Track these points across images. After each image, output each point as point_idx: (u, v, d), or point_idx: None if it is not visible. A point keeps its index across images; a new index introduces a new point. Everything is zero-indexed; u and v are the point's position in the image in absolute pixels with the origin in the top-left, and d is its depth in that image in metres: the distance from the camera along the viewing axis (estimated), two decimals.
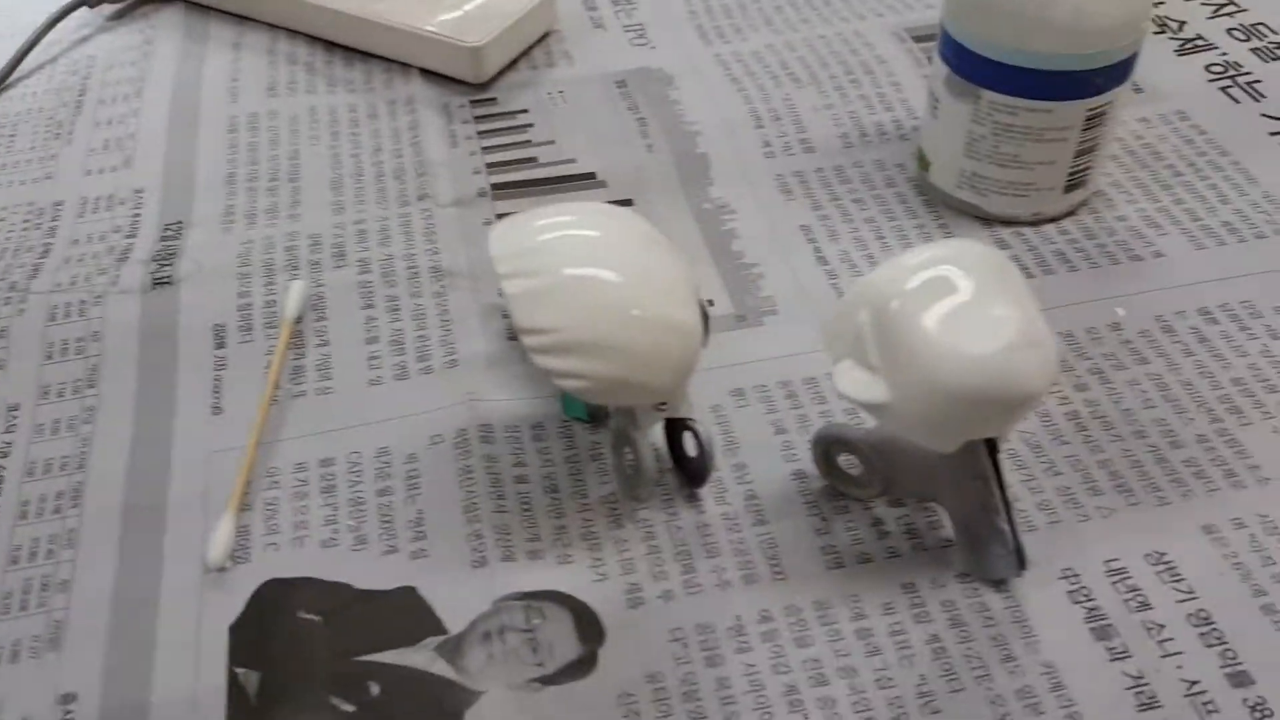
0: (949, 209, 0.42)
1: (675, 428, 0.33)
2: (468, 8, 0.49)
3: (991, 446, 0.29)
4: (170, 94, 0.49)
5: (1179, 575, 0.31)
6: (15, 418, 0.36)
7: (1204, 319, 0.38)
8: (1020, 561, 0.30)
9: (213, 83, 0.49)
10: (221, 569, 0.32)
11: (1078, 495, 0.33)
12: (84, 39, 0.52)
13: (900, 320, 0.26)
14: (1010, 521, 0.30)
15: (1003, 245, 0.41)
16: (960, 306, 0.26)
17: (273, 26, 0.52)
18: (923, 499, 0.32)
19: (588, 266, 0.28)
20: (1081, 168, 0.40)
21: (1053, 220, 0.41)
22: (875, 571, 0.31)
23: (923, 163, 0.43)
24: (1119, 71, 0.38)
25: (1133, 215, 0.42)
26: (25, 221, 0.43)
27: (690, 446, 0.33)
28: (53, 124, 0.48)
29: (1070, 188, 0.40)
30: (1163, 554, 0.31)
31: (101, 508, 0.33)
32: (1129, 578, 0.31)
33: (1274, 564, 0.31)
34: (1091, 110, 0.38)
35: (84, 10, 0.53)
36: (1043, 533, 0.32)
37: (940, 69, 0.40)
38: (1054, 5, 0.36)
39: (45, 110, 0.48)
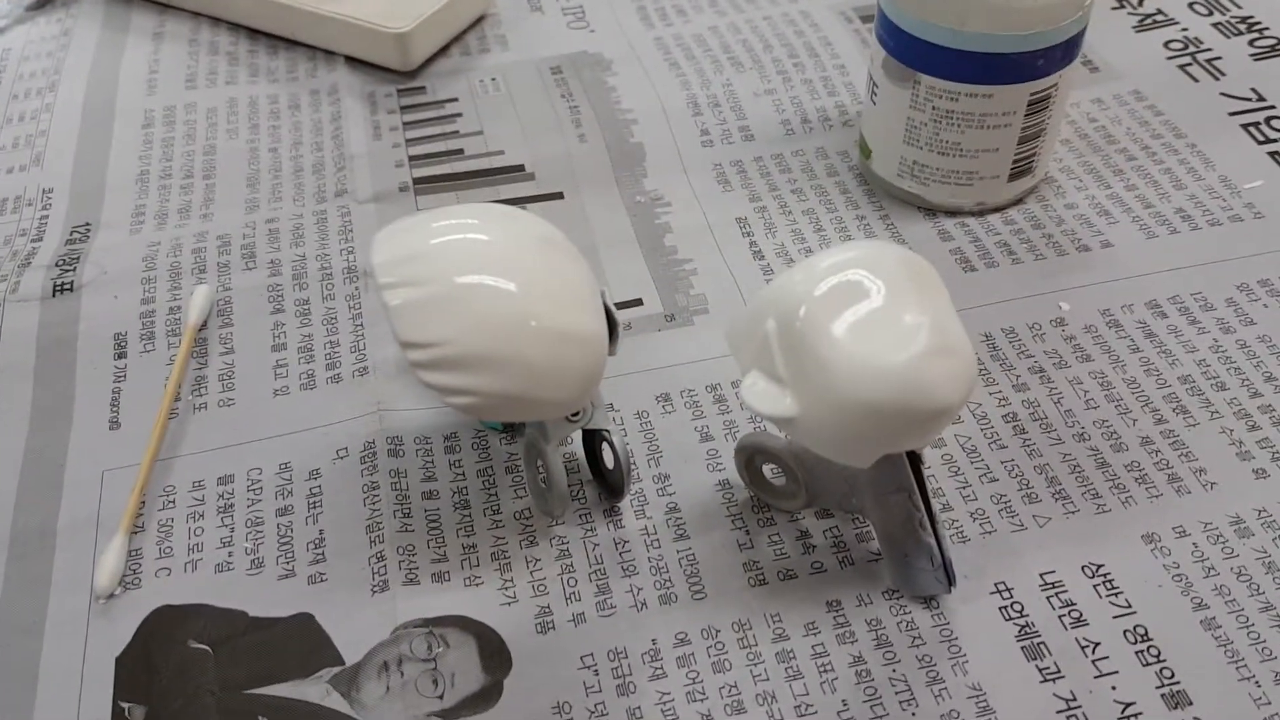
0: (891, 199, 0.40)
1: (592, 439, 0.31)
2: None
3: (914, 457, 0.27)
4: (85, 88, 0.47)
5: (1116, 588, 0.29)
6: None
7: (1152, 312, 0.36)
8: (948, 578, 0.29)
9: (130, 75, 0.47)
10: (110, 595, 0.30)
11: (1013, 503, 0.31)
12: (0, 31, 0.50)
13: (807, 329, 0.25)
14: (937, 536, 0.28)
15: (946, 237, 0.39)
16: (870, 314, 0.24)
17: (196, 14, 0.50)
18: (848, 511, 0.31)
19: (476, 273, 0.26)
20: (1027, 154, 0.38)
21: (998, 210, 0.40)
22: (799, 588, 0.30)
23: (864, 150, 0.41)
24: (1063, 52, 0.36)
25: (1082, 203, 0.40)
26: None
27: (608, 458, 0.31)
28: None
29: (1015, 175, 0.39)
30: (1100, 565, 0.30)
31: None
32: (1064, 591, 0.29)
33: (1216, 575, 0.29)
34: (1035, 94, 0.36)
35: (1, 2, 0.51)
36: (975, 544, 0.30)
37: (878, 52, 0.38)
38: None
39: None
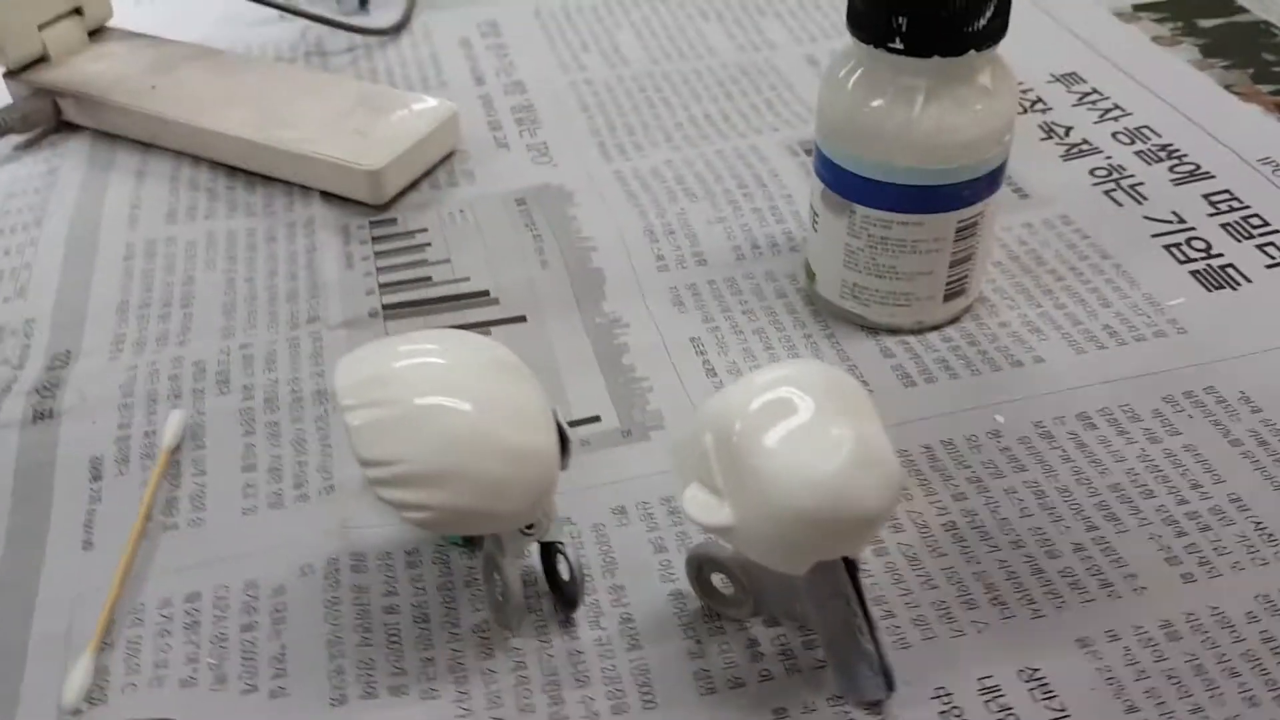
0: (835, 319, 0.43)
1: (548, 551, 0.33)
2: (367, 131, 0.50)
3: (851, 565, 0.29)
4: (70, 222, 0.49)
5: (1051, 692, 0.30)
6: None
7: (1083, 424, 0.38)
8: (888, 683, 0.30)
9: (113, 210, 0.50)
10: (76, 712, 0.31)
11: (953, 609, 0.33)
12: None
13: (741, 442, 0.26)
14: (875, 641, 0.29)
15: (888, 354, 0.41)
16: (798, 427, 0.26)
17: (178, 153, 0.53)
18: (793, 619, 0.32)
19: (431, 395, 0.27)
20: (959, 276, 0.41)
21: (936, 328, 0.42)
22: (747, 696, 0.31)
23: (809, 274, 0.43)
24: (986, 183, 0.39)
25: (1015, 321, 0.42)
26: None
27: (563, 570, 0.33)
28: None
29: (950, 296, 0.41)
30: (1035, 670, 0.31)
31: None
32: (1001, 695, 0.30)
33: (1147, 677, 0.31)
34: (963, 221, 0.39)
35: None
36: (917, 649, 0.32)
37: (817, 185, 0.41)
38: (913, 125, 0.37)
39: None
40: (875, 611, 0.32)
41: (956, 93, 0.37)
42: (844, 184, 0.39)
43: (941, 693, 0.30)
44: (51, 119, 0.55)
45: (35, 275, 0.46)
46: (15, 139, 0.54)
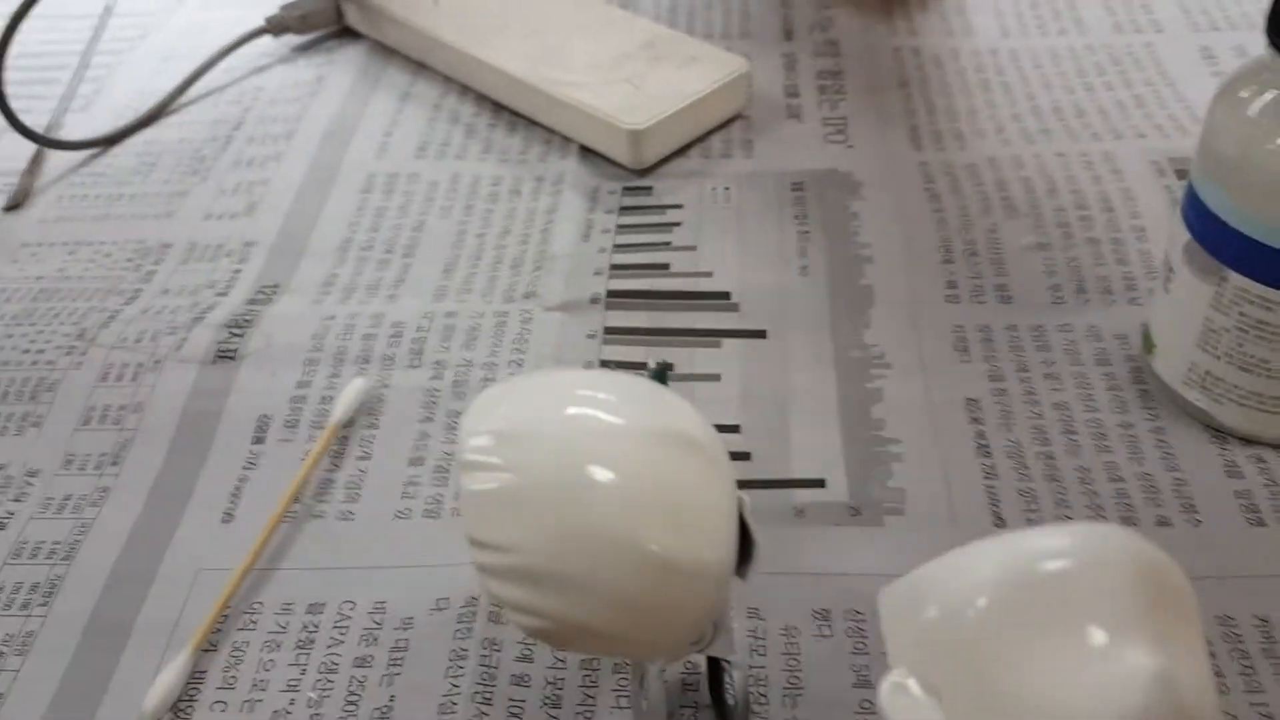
0: (1172, 410, 0.32)
1: (716, 662, 0.26)
2: (640, 84, 0.43)
3: None
4: (320, 140, 0.46)
5: None
6: (29, 485, 0.33)
7: None
8: None
9: (365, 134, 0.46)
10: None
11: None
12: (260, 69, 0.50)
13: (980, 638, 0.18)
14: None
15: (1234, 472, 0.31)
16: (1075, 638, 0.18)
17: (447, 79, 0.49)
18: None
19: (574, 469, 0.21)
20: None
21: None
22: None
23: (1147, 343, 0.33)
24: None
25: None
26: (128, 261, 0.41)
27: (729, 691, 0.26)
28: (196, 158, 0.45)
29: None
30: None
31: (68, 614, 0.30)
32: None
33: None
34: None
35: (267, 39, 0.51)
36: None
37: (1181, 231, 0.31)
38: None
39: (194, 142, 0.46)
40: None
41: None
42: (1219, 239, 0.29)
43: None
44: (333, 21, 0.52)
45: (269, 194, 0.43)
46: (294, 39, 0.52)
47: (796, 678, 0.27)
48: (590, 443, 0.21)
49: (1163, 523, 0.30)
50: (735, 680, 0.25)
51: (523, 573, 0.21)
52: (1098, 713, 0.17)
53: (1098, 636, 0.18)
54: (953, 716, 0.18)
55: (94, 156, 0.46)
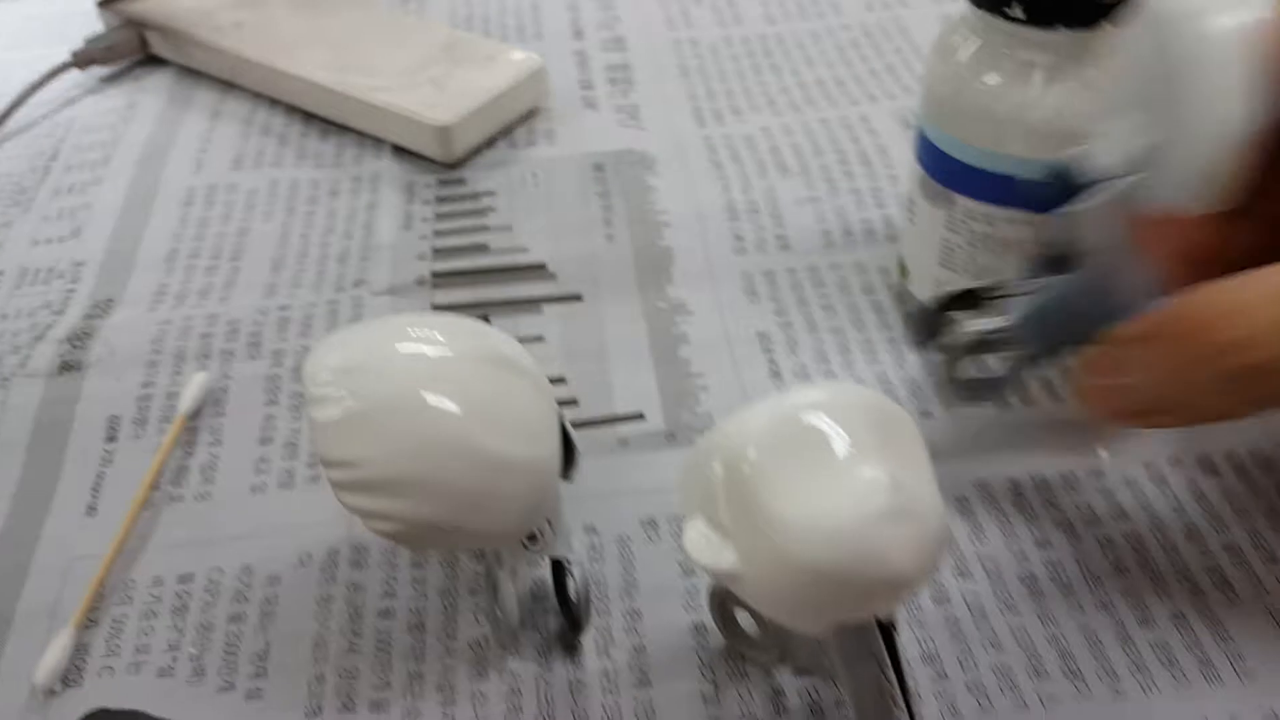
0: None
1: (558, 565, 0.29)
2: (444, 83, 0.47)
3: (884, 626, 0.25)
4: (136, 162, 0.47)
5: None
6: None
7: (1204, 471, 0.32)
8: None
9: (181, 152, 0.48)
10: (50, 691, 0.29)
11: (1018, 677, 0.28)
12: (70, 101, 0.52)
13: (753, 476, 0.22)
14: (912, 714, 0.25)
15: (984, 369, 0.36)
16: (824, 464, 0.22)
17: (257, 95, 0.51)
18: (820, 673, 0.28)
19: (405, 391, 0.24)
20: None
21: None
22: None
23: (903, 270, 0.38)
24: None
25: None
26: None
27: (571, 590, 0.29)
28: (17, 190, 0.46)
29: None
30: None
31: None
32: None
33: None
34: None
35: (75, 72, 0.52)
36: None
37: (917, 169, 0.36)
38: (1029, 107, 0.32)
39: (13, 175, 0.47)
40: (925, 672, 0.28)
41: (1084, 74, 0.32)
42: (945, 170, 0.34)
43: None
44: (138, 51, 0.54)
45: (93, 217, 0.45)
46: (101, 71, 0.53)
47: (632, 576, 0.31)
48: (423, 366, 0.24)
49: (925, 414, 0.35)
50: (576, 577, 0.28)
51: (372, 483, 0.24)
52: (848, 514, 0.21)
53: (843, 461, 0.22)
54: (740, 547, 0.23)
55: None
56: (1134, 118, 0.26)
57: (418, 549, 0.26)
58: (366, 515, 0.24)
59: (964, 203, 0.34)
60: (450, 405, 0.24)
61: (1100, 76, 0.31)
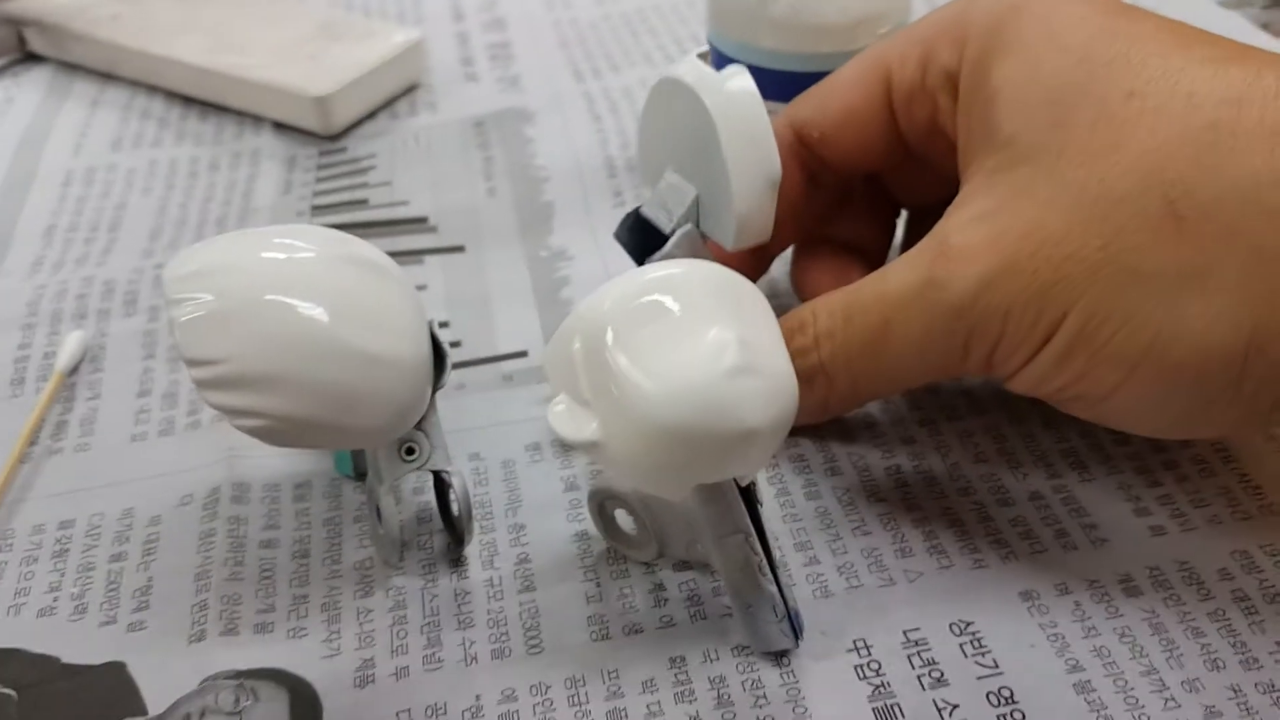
0: None
1: (440, 482, 0.30)
2: (320, 58, 0.47)
3: (748, 496, 0.26)
4: (14, 149, 0.47)
5: (984, 647, 0.27)
6: None
7: None
8: (795, 630, 0.26)
9: (60, 138, 0.48)
10: None
11: (884, 557, 0.29)
12: None
13: (608, 348, 0.23)
14: (778, 583, 0.26)
15: None
16: (672, 330, 0.23)
17: (135, 84, 0.51)
18: (696, 561, 0.29)
19: (268, 289, 0.24)
20: None
21: None
22: (644, 643, 0.27)
23: None
24: None
25: None
26: None
27: (454, 505, 0.30)
28: None
29: None
30: (969, 623, 0.27)
31: None
32: (927, 650, 0.27)
33: (1097, 635, 0.27)
34: None
35: None
36: (839, 598, 0.28)
37: None
38: (772, 2, 0.34)
39: None
40: (798, 559, 0.29)
41: None
42: (718, 66, 0.36)
43: (860, 645, 0.27)
44: (16, 49, 0.53)
45: None
46: None
47: (516, 495, 0.31)
48: (285, 266, 0.25)
49: None
50: (456, 489, 0.29)
51: (237, 379, 0.24)
52: (698, 372, 0.22)
53: (693, 325, 0.23)
54: (602, 417, 0.23)
55: None
56: (681, 172, 0.30)
57: (287, 446, 0.26)
58: (232, 413, 0.24)
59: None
60: (312, 302, 0.25)
61: None
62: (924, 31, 0.29)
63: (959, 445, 0.32)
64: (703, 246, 0.31)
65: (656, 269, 0.24)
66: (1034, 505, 0.30)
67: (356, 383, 0.25)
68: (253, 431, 0.25)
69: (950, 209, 0.27)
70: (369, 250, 0.26)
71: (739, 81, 0.29)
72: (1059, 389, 0.26)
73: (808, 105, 0.31)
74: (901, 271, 0.27)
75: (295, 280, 0.25)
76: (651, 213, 0.31)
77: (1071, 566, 0.28)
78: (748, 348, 0.23)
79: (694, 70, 0.29)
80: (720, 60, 0.37)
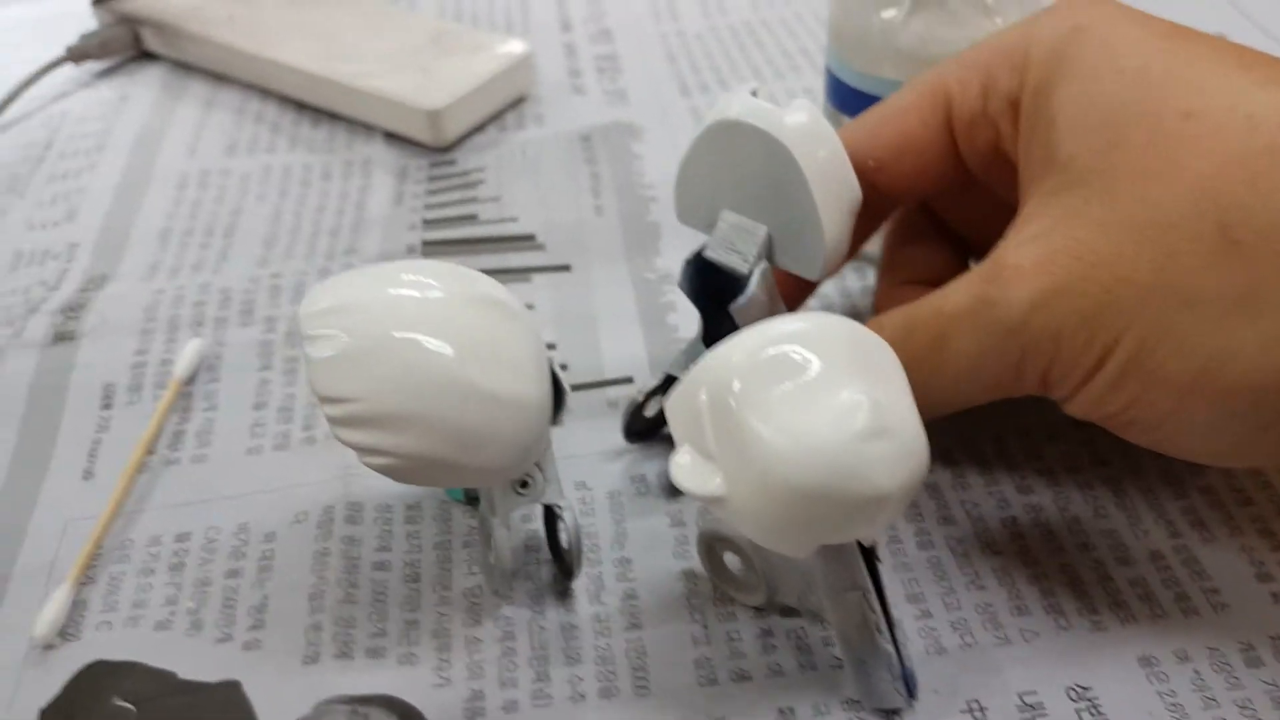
0: None
1: (550, 514, 0.30)
2: (432, 70, 0.47)
3: (868, 553, 0.25)
4: (129, 150, 0.48)
5: (1101, 713, 0.26)
6: None
7: None
8: (909, 689, 0.26)
9: (175, 140, 0.49)
10: (48, 645, 0.29)
11: (1000, 614, 0.28)
12: (64, 95, 0.52)
13: (737, 403, 0.23)
14: (895, 642, 0.26)
15: None
16: (805, 388, 0.23)
17: (248, 87, 0.52)
18: (808, 610, 0.28)
19: (399, 328, 0.25)
20: None
21: None
22: (752, 691, 0.27)
23: None
24: None
25: None
26: None
27: (563, 538, 0.30)
28: (11, 178, 0.47)
29: None
30: (1086, 688, 0.27)
31: None
32: (1044, 715, 0.26)
33: (1216, 705, 0.26)
34: None
35: (68, 67, 0.53)
36: (952, 656, 0.28)
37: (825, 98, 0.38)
38: (897, 32, 0.34)
39: (8, 165, 0.48)
40: (910, 611, 0.29)
41: (950, 2, 0.34)
42: (837, 93, 0.37)
43: (974, 706, 0.27)
44: (131, 47, 0.54)
45: (87, 200, 0.45)
46: (95, 66, 0.54)
47: (623, 528, 0.31)
48: (416, 306, 0.25)
49: None
50: (567, 522, 0.29)
51: (368, 418, 0.24)
52: (829, 434, 0.22)
53: (824, 384, 0.23)
54: (726, 472, 0.23)
55: None
56: (744, 211, 0.30)
57: (412, 483, 0.26)
58: (361, 450, 0.25)
59: (838, 117, 0.37)
60: (443, 342, 0.25)
61: (965, 9, 0.33)
62: (984, 57, 0.29)
63: (1080, 498, 0.31)
64: (774, 282, 0.31)
65: (785, 322, 0.24)
66: (1154, 565, 0.29)
67: (482, 424, 0.25)
68: (381, 469, 0.25)
69: (1009, 230, 0.27)
70: (496, 289, 0.26)
71: (807, 113, 0.28)
72: (1113, 414, 0.26)
73: (861, 133, 0.31)
74: (959, 289, 0.27)
75: (425, 320, 0.25)
76: (716, 255, 0.30)
77: (1192, 632, 0.28)
78: (880, 410, 0.22)
79: (754, 110, 0.28)
80: (838, 88, 0.36)
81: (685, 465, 0.24)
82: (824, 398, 0.22)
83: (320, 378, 0.25)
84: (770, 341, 0.23)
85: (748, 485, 0.23)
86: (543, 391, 0.26)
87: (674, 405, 0.25)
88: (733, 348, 0.24)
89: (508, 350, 0.26)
